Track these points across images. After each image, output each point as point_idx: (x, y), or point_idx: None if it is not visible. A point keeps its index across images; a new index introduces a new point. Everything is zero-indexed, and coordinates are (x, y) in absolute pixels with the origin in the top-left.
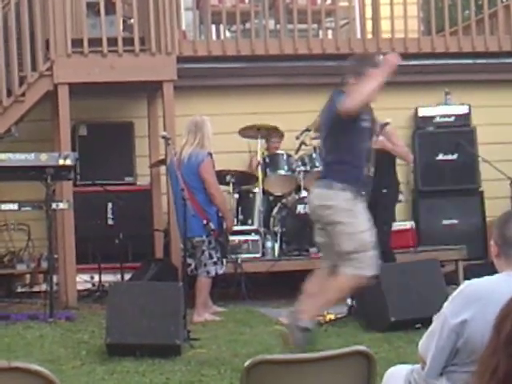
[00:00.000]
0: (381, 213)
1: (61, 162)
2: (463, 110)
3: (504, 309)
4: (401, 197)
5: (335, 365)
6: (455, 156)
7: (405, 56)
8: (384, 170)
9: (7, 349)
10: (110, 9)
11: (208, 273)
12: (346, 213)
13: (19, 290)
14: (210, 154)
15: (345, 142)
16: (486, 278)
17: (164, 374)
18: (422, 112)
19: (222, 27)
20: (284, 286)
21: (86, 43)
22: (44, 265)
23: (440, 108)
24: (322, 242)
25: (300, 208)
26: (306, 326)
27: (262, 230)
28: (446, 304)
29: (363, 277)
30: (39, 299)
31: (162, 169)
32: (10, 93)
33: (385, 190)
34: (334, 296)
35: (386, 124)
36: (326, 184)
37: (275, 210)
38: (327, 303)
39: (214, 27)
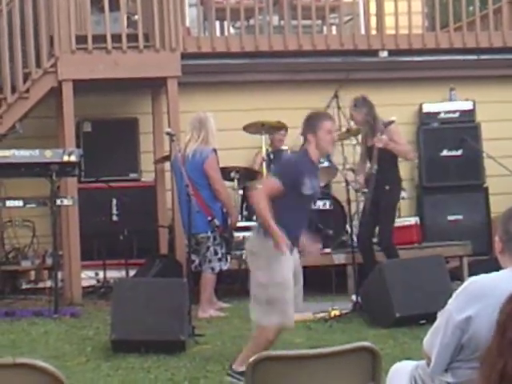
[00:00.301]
0: (383, 209)
1: (65, 158)
2: (468, 105)
3: (506, 308)
4: (403, 194)
5: (340, 361)
6: (460, 152)
7: (409, 52)
8: (386, 168)
9: (12, 345)
10: (114, 5)
11: (213, 269)
12: (265, 262)
13: (24, 286)
14: (215, 151)
15: (280, 202)
16: (490, 274)
17: (169, 370)
18: (427, 108)
19: (226, 23)
20: None
21: (90, 40)
22: (49, 261)
23: (444, 104)
24: None
25: None
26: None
27: None
28: (450, 300)
29: (274, 326)
30: (44, 295)
31: (167, 165)
32: (14, 89)
33: (387, 187)
34: (252, 349)
35: (391, 122)
36: (257, 228)
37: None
38: (247, 356)
39: (218, 23)
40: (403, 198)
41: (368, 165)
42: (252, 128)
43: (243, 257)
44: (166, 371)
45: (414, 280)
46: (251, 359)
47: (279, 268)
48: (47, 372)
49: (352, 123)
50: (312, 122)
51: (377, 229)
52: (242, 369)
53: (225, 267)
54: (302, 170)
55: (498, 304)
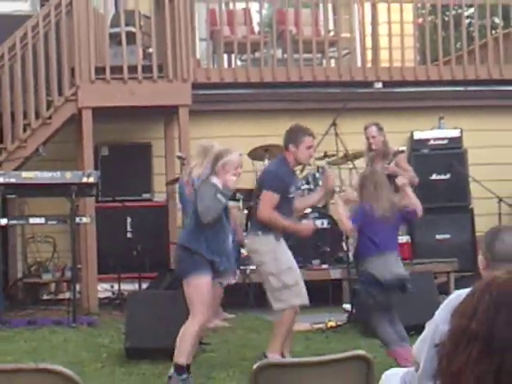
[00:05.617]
0: None
1: (84, 179)
2: (455, 133)
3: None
4: None
5: (336, 368)
6: (448, 176)
7: (402, 83)
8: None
9: (34, 352)
10: (131, 39)
11: (221, 283)
12: (269, 255)
13: (45, 297)
14: None
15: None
16: None
17: None
18: (418, 135)
19: (233, 56)
20: None
21: (108, 71)
22: (68, 274)
23: (434, 131)
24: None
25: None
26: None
27: None
28: (437, 312)
29: (293, 308)
30: (63, 306)
31: (177, 186)
32: (38, 116)
33: None
34: (281, 331)
35: (402, 151)
36: (252, 229)
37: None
38: (280, 340)
39: (226, 56)
40: None
41: None
42: (256, 153)
43: (247, 272)
44: None
45: (404, 294)
46: (254, 366)
47: (282, 257)
48: (66, 376)
49: (364, 146)
50: (294, 135)
51: None
52: (277, 357)
53: (233, 281)
54: (287, 179)
55: None
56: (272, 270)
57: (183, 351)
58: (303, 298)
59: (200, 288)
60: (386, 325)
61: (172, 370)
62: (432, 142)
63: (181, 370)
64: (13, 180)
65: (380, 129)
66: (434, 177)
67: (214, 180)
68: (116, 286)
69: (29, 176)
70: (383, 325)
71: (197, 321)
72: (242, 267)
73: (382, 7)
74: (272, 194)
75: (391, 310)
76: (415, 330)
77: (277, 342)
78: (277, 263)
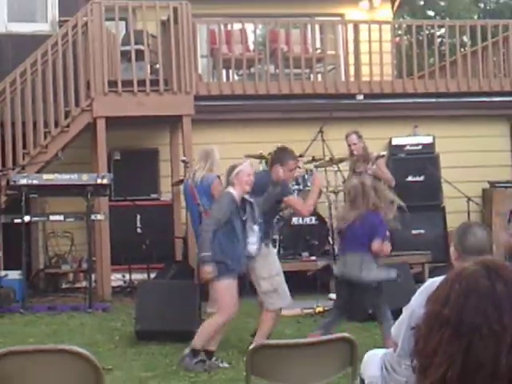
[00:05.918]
0: None
1: (99, 181)
2: (429, 139)
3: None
4: None
5: (324, 349)
6: (422, 178)
7: (381, 95)
8: None
9: (54, 334)
10: (140, 56)
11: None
12: (260, 261)
13: (64, 286)
14: (218, 177)
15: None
16: None
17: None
18: (395, 141)
19: (231, 71)
20: None
21: (119, 84)
22: (84, 265)
23: (410, 138)
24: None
25: (294, 220)
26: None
27: None
28: (413, 298)
29: (278, 309)
30: (80, 294)
31: (182, 187)
32: (57, 124)
33: None
34: (266, 330)
35: (382, 156)
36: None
37: (274, 221)
38: (263, 335)
39: (224, 71)
40: None
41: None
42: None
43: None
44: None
45: (384, 282)
46: (250, 347)
47: (272, 262)
48: (83, 356)
49: (347, 152)
50: (281, 156)
51: None
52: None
53: None
54: None
55: None
56: (264, 275)
57: (202, 338)
58: (286, 300)
59: (224, 291)
60: (331, 312)
61: (187, 351)
62: (408, 148)
63: (195, 353)
64: (35, 181)
65: (359, 136)
66: (409, 178)
67: (231, 190)
68: (127, 276)
69: (49, 178)
70: (331, 311)
71: (222, 316)
72: None
73: (363, 27)
74: (293, 196)
75: (344, 304)
76: (394, 314)
77: (262, 337)
78: (268, 267)
